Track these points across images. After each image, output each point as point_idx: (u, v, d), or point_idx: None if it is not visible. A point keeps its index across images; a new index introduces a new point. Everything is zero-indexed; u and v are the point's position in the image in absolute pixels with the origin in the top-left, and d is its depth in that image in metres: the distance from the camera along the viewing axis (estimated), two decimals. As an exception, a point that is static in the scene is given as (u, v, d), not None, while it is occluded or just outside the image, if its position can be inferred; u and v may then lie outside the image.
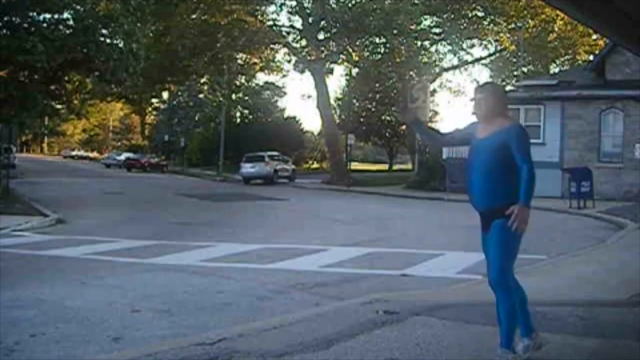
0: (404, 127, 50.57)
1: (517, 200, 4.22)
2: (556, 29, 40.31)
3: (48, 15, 22.73)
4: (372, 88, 51.09)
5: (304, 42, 38.20)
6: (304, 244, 12.14)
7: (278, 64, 48.94)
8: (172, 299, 7.34)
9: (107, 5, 23.64)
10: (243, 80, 58.72)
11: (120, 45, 22.44)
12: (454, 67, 46.46)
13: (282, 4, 38.28)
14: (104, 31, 22.46)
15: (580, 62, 40.84)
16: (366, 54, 38.04)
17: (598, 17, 7.17)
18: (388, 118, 57.08)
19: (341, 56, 38.01)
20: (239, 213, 19.88)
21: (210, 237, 13.26)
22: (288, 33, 39.10)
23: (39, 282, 8.16)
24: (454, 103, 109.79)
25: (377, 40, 36.27)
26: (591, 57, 34.91)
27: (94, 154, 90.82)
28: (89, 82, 29.38)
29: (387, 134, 58.95)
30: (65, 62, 21.88)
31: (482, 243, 4.47)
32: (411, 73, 38.13)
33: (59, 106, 27.95)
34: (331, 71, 39.82)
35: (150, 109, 73.68)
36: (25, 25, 21.67)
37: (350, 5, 35.04)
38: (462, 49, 41.96)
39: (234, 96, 56.27)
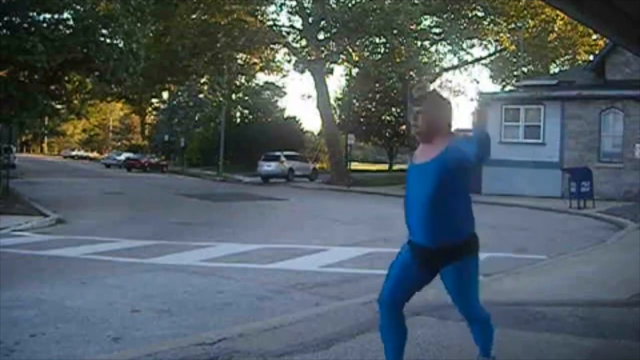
0: (404, 127, 50.60)
1: (468, 236, 3.70)
2: (556, 29, 40.34)
3: (48, 15, 22.72)
4: (372, 88, 51.05)
5: (304, 42, 38.18)
6: (304, 244, 12.14)
7: (278, 64, 48.99)
8: (172, 299, 7.34)
9: (107, 5, 23.62)
10: (243, 80, 58.68)
11: (120, 45, 22.42)
12: (454, 67, 46.51)
13: (282, 4, 38.27)
14: (104, 31, 22.44)
15: (580, 62, 40.87)
16: (366, 54, 38.04)
17: (598, 17, 7.17)
18: (388, 118, 57.10)
19: (341, 56, 38.00)
20: (239, 213, 19.87)
21: (210, 237, 13.26)
22: (288, 33, 39.10)
23: (39, 282, 8.16)
24: (454, 103, 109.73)
25: (377, 40, 36.28)
26: (591, 57, 34.94)
27: (94, 154, 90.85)
28: (89, 82, 29.35)
29: (387, 134, 58.94)
30: (65, 62, 21.88)
31: (401, 266, 3.89)
32: (411, 73, 38.12)
33: (59, 106, 27.90)
34: (331, 71, 39.80)
35: (150, 109, 73.67)
36: (25, 25, 21.65)
37: (350, 5, 35.02)
38: (462, 49, 41.99)
39: (234, 96, 56.23)
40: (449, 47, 41.51)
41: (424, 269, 3.80)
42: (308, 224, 16.52)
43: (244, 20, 37.28)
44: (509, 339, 5.15)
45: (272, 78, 57.76)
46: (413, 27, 35.06)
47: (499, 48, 43.24)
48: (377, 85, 48.85)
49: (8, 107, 22.35)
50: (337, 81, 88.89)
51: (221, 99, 47.57)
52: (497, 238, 13.33)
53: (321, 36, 37.24)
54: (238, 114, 59.72)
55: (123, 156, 59.67)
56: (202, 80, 53.89)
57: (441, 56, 44.56)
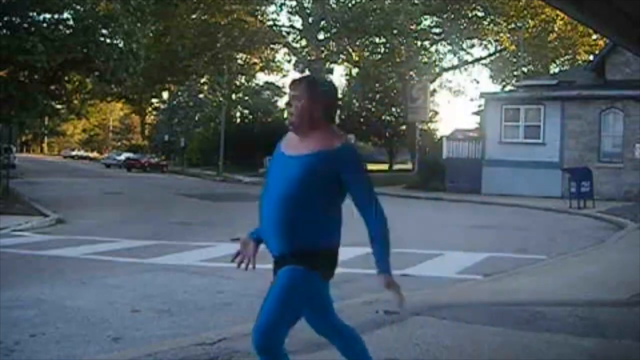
0: (404, 127, 50.63)
1: (325, 245, 3.22)
2: (556, 29, 40.36)
3: (48, 15, 22.75)
4: (372, 88, 51.08)
5: (304, 42, 38.25)
6: (304, 244, 12.10)
7: (278, 64, 49.10)
8: (172, 299, 7.33)
9: (107, 5, 23.64)
10: (243, 80, 58.70)
11: (120, 45, 22.44)
12: (454, 67, 46.54)
13: (282, 4, 38.40)
14: (104, 31, 22.47)
15: (580, 62, 40.86)
16: (366, 54, 38.11)
17: (598, 17, 7.17)
18: (388, 118, 57.11)
19: (341, 56, 38.10)
20: (239, 213, 19.84)
21: (210, 237, 13.24)
22: (288, 33, 39.18)
23: (39, 282, 8.15)
24: (454, 103, 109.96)
25: (377, 40, 36.34)
26: (591, 57, 34.93)
27: (94, 154, 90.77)
28: (89, 82, 29.37)
29: (387, 134, 58.93)
30: (65, 62, 21.88)
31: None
32: (411, 73, 38.15)
33: (59, 106, 27.92)
34: (331, 71, 39.90)
35: (150, 109, 73.63)
36: (25, 25, 21.67)
37: (350, 5, 35.08)
38: (462, 49, 42.08)
39: (234, 96, 56.23)
40: (449, 47, 41.62)
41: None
42: (308, 224, 16.47)
43: (244, 20, 37.34)
44: (509, 339, 5.16)
45: (272, 78, 58.02)
46: (413, 27, 35.11)
47: (499, 48, 43.27)
48: (377, 85, 48.88)
49: (8, 107, 22.36)
50: (337, 81, 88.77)
51: (221, 99, 47.61)
52: (497, 238, 13.34)
53: (321, 36, 37.29)
54: (238, 114, 59.70)
55: (123, 156, 59.67)
56: (202, 80, 53.93)
57: (441, 56, 44.65)
